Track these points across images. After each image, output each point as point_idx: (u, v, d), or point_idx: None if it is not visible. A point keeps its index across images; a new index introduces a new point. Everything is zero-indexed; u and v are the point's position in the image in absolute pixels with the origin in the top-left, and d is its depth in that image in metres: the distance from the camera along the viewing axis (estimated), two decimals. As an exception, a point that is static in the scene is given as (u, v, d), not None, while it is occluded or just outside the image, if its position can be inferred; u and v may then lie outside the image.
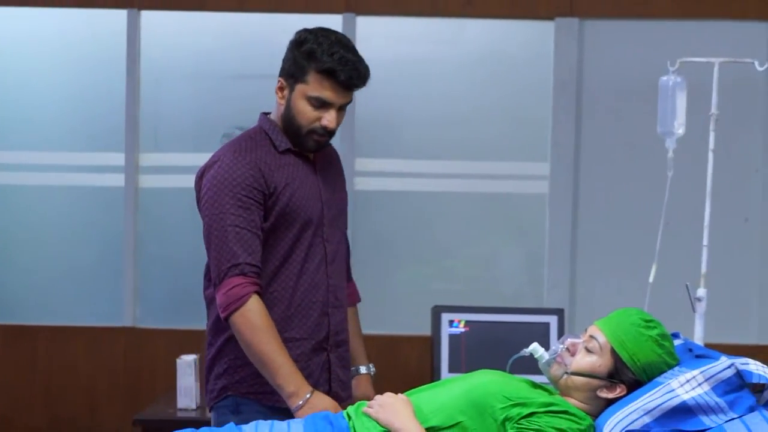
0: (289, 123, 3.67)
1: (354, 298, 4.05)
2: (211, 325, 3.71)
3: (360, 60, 3.63)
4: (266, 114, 3.80)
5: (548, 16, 6.24)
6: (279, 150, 3.69)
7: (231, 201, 3.56)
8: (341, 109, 3.67)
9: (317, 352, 3.72)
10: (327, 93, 3.59)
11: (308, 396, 3.46)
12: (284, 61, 3.71)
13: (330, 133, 3.66)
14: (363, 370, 4.00)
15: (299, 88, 3.63)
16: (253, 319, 3.49)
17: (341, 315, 3.82)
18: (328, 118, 3.61)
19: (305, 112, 3.63)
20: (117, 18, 6.27)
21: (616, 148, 6.25)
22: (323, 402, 3.46)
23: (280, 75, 3.71)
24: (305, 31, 3.69)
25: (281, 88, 3.70)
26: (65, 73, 6.40)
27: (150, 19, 6.31)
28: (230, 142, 3.76)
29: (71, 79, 6.40)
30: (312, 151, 3.72)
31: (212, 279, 3.63)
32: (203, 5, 6.26)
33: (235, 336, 3.56)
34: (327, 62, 3.57)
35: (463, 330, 5.17)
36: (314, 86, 3.60)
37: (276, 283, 3.65)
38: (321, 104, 3.61)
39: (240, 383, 3.65)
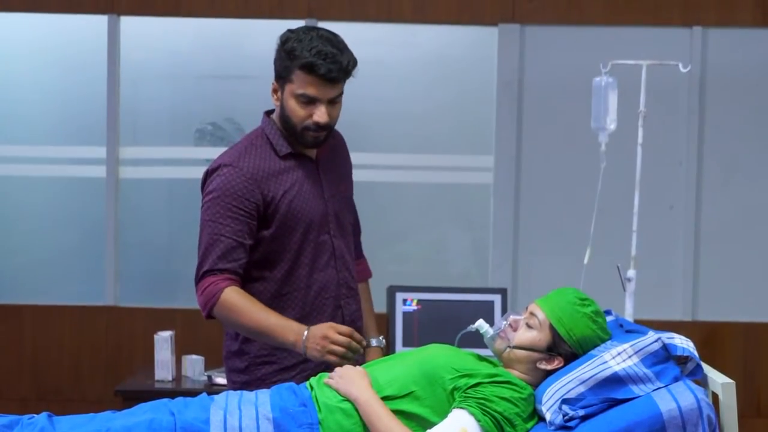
0: (285, 123, 3.50)
1: (365, 274, 3.92)
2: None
3: (342, 52, 3.43)
4: (269, 113, 3.63)
5: (492, 23, 6.24)
6: (279, 155, 3.54)
7: (221, 211, 3.43)
8: (333, 103, 3.47)
9: None
10: (310, 89, 3.41)
11: (306, 332, 3.30)
12: (274, 63, 3.52)
13: (323, 127, 3.47)
14: (374, 342, 3.82)
15: (288, 87, 3.45)
16: (231, 303, 3.38)
17: (355, 304, 3.70)
18: (318, 114, 3.43)
19: (295, 110, 3.45)
20: (99, 23, 6.23)
21: (554, 142, 6.26)
22: (320, 329, 3.30)
23: (274, 78, 3.52)
24: (288, 31, 3.52)
25: (275, 91, 3.52)
26: (52, 73, 6.36)
27: (129, 24, 6.27)
28: (234, 146, 3.59)
29: (57, 79, 6.35)
30: (311, 147, 3.55)
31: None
32: (178, 11, 6.22)
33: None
34: (306, 57, 3.38)
35: (415, 308, 5.16)
36: (299, 83, 3.41)
37: (288, 286, 3.54)
38: (308, 101, 3.43)
39: (262, 380, 3.53)
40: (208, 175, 3.54)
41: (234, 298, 3.41)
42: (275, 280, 3.54)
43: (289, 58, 3.43)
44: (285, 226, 3.51)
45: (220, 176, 3.48)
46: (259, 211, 3.48)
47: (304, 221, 3.54)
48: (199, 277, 3.46)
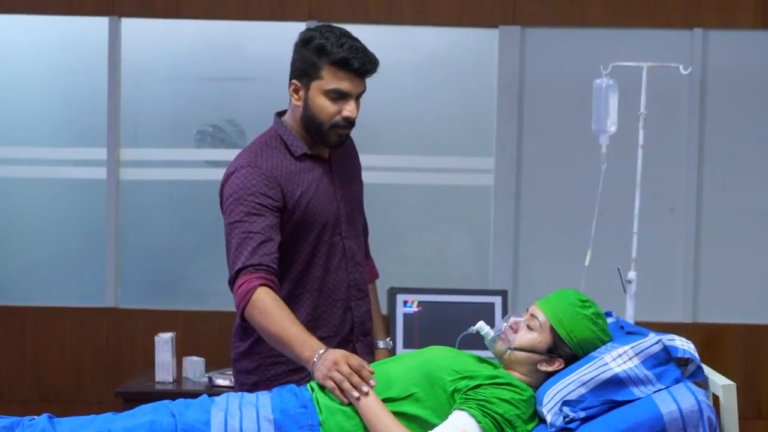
0: (309, 122, 3.47)
1: (372, 274, 3.89)
2: (240, 321, 3.42)
3: (367, 48, 3.45)
4: (280, 114, 3.60)
5: (493, 24, 6.24)
6: (295, 156, 3.51)
7: (245, 210, 3.36)
8: (357, 99, 3.48)
9: (343, 345, 3.53)
10: (344, 83, 3.41)
11: (321, 352, 3.16)
12: (293, 62, 3.49)
13: (351, 123, 3.47)
14: (381, 344, 3.83)
15: (315, 85, 3.43)
16: (262, 307, 3.27)
17: (365, 305, 3.66)
18: (349, 109, 3.43)
19: (325, 107, 3.43)
20: (99, 25, 6.23)
21: (554, 144, 6.26)
22: (333, 354, 3.16)
23: (292, 77, 3.48)
24: (309, 30, 3.50)
25: (296, 90, 3.48)
26: (53, 74, 6.35)
27: (130, 25, 6.27)
28: (248, 148, 3.55)
29: (58, 81, 6.35)
30: (334, 146, 3.53)
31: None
32: (179, 13, 6.22)
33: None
34: (339, 53, 3.38)
35: (416, 310, 5.17)
36: (330, 79, 3.40)
37: (300, 288, 3.51)
38: (339, 96, 3.42)
39: (271, 380, 3.49)
40: (226, 180, 3.49)
41: (264, 300, 3.29)
42: (288, 282, 3.50)
43: (319, 54, 3.41)
44: (301, 227, 3.49)
45: (239, 178, 3.43)
46: (280, 208, 3.44)
47: (320, 223, 3.52)
48: (234, 277, 3.37)
